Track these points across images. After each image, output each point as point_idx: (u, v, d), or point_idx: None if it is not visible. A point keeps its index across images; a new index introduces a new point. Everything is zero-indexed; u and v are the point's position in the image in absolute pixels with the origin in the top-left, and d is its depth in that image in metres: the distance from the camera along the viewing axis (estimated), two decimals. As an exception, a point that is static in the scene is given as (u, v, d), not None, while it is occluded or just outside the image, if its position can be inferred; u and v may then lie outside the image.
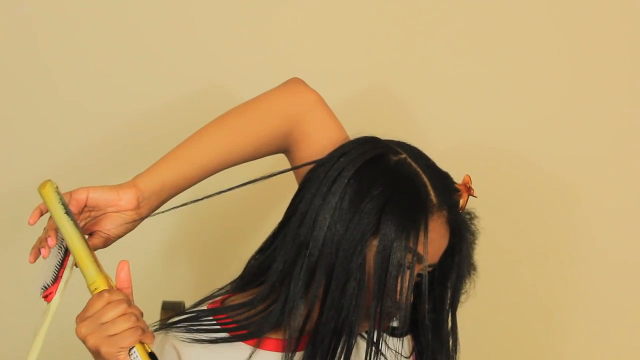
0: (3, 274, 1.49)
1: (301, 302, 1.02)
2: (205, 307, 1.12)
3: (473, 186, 1.07)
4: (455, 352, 1.13)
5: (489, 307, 1.62)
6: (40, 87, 1.46)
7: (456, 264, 1.08)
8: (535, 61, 1.56)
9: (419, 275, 1.05)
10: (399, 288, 1.01)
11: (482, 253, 1.36)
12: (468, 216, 1.09)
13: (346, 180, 1.01)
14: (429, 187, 1.03)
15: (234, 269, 1.48)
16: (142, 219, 1.08)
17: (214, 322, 1.08)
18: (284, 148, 1.17)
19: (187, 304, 1.28)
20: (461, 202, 1.05)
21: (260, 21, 1.51)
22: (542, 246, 1.61)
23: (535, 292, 1.62)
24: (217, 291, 1.13)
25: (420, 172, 1.03)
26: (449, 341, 1.12)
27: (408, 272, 1.01)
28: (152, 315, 1.28)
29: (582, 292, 1.63)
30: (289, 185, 1.44)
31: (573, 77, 1.56)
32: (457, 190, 1.06)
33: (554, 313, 1.64)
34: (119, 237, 1.10)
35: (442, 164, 1.09)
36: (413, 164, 1.04)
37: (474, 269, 1.12)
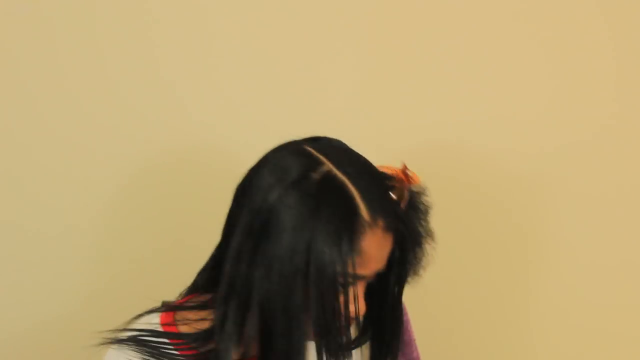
0: (3, 274, 1.48)
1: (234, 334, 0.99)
2: (158, 323, 1.08)
3: (414, 171, 1.03)
4: (398, 338, 1.10)
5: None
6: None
7: (401, 260, 1.04)
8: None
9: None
10: (342, 313, 0.98)
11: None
12: (416, 193, 1.05)
13: (269, 216, 0.96)
14: (358, 201, 0.97)
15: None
16: None
17: (171, 347, 1.04)
18: None
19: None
20: (402, 203, 1.01)
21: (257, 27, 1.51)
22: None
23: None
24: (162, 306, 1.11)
25: (347, 185, 0.97)
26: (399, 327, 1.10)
27: (351, 290, 0.99)
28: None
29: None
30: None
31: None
32: (392, 189, 1.01)
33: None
34: None
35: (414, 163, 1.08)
36: (338, 175, 0.98)
37: (430, 237, 1.07)
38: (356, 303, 0.99)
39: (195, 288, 1.12)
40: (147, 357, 1.02)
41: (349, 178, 0.98)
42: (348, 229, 0.95)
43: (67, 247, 1.48)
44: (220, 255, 1.04)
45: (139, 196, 1.50)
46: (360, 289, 1.01)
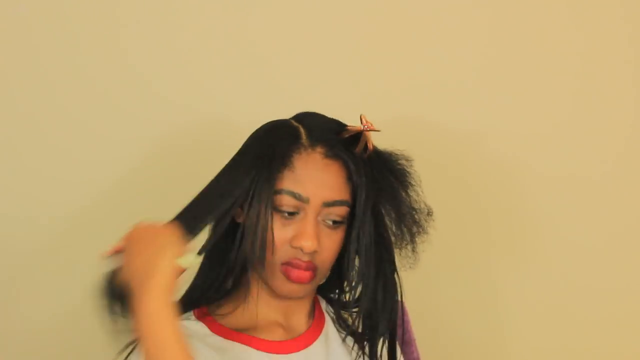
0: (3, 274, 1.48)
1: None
2: (192, 315, 1.13)
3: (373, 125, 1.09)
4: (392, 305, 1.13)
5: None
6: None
7: (363, 203, 1.08)
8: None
9: (335, 222, 1.08)
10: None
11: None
12: (391, 156, 1.12)
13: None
14: (301, 130, 1.10)
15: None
16: None
17: (207, 329, 1.10)
18: None
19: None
20: (357, 146, 1.08)
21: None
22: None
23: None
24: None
25: (293, 121, 1.12)
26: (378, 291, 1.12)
27: (296, 215, 1.07)
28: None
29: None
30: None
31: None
32: (341, 131, 1.10)
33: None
34: None
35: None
36: (290, 119, 1.13)
37: (424, 212, 1.12)
38: (304, 234, 1.06)
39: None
40: None
41: (298, 118, 1.13)
42: (282, 149, 1.07)
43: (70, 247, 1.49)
44: None
45: (136, 196, 1.50)
46: (309, 219, 1.07)
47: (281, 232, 1.07)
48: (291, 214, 1.07)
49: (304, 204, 1.06)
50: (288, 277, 1.07)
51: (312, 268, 1.08)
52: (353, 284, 1.12)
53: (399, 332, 1.18)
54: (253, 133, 1.12)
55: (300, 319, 1.14)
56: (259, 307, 1.12)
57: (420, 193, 1.11)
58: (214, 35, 1.50)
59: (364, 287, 1.11)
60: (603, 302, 1.66)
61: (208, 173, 1.43)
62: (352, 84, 1.55)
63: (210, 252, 1.10)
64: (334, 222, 1.08)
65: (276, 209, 1.06)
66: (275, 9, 1.52)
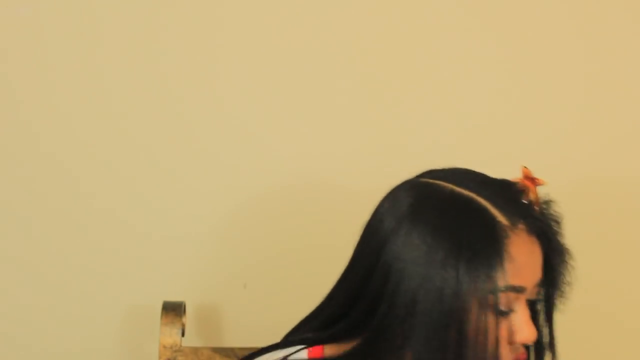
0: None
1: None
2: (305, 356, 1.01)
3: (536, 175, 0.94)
4: None
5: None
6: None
7: (550, 270, 0.96)
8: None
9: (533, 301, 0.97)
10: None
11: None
12: (544, 206, 0.96)
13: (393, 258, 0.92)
14: (493, 210, 0.91)
15: (236, 268, 1.48)
16: None
17: None
18: None
19: (188, 304, 1.27)
20: (532, 200, 0.93)
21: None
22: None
23: None
24: (293, 336, 1.03)
25: (475, 199, 0.91)
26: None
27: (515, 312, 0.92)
28: (153, 315, 1.28)
29: None
30: (293, 190, 1.44)
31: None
32: (521, 193, 0.94)
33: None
34: None
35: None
36: (464, 192, 0.92)
37: (569, 258, 0.97)
38: (525, 327, 0.92)
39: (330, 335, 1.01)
40: None
41: (474, 192, 0.92)
42: (492, 239, 0.88)
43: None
44: (343, 298, 0.98)
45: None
46: (523, 309, 0.92)
47: (501, 333, 0.92)
48: (505, 312, 0.92)
49: (522, 295, 0.92)
50: None
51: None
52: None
53: None
54: (428, 224, 0.90)
55: None
56: None
57: None
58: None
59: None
60: (604, 303, 1.66)
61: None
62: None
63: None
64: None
65: (495, 309, 0.91)
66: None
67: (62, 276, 1.46)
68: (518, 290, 0.89)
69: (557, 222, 0.95)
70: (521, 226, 0.90)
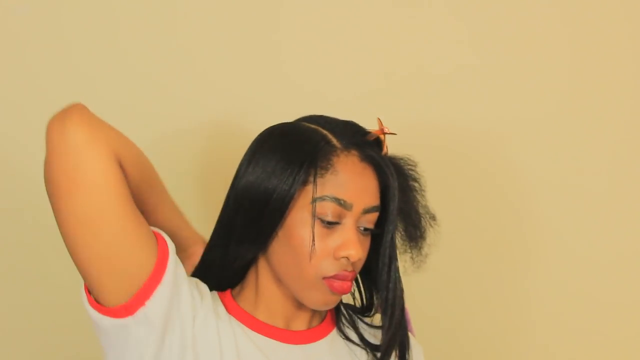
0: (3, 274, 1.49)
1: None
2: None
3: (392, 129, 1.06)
4: (395, 307, 1.09)
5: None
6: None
7: (397, 207, 1.05)
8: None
9: (367, 229, 1.05)
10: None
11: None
12: (402, 161, 1.09)
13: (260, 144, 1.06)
14: (330, 135, 1.03)
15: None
16: None
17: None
18: None
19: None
20: (382, 147, 1.05)
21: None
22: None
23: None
24: None
25: (318, 127, 1.05)
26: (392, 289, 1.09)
27: (336, 225, 1.02)
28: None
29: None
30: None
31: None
32: (366, 133, 1.06)
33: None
34: None
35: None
36: (310, 123, 1.06)
37: (430, 216, 1.10)
38: (348, 243, 1.02)
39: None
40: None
41: (319, 125, 1.06)
42: (319, 152, 1.01)
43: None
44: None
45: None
46: (350, 226, 1.03)
47: (324, 243, 1.02)
48: (332, 223, 1.02)
49: (347, 211, 1.02)
50: (332, 290, 1.03)
51: (354, 277, 1.06)
52: (385, 289, 1.08)
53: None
54: (271, 137, 1.06)
55: (305, 317, 1.12)
56: (270, 302, 1.09)
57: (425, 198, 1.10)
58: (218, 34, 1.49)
59: (392, 291, 1.08)
60: (605, 303, 1.66)
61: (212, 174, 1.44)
62: (352, 84, 1.55)
63: (228, 240, 1.07)
64: (365, 229, 1.05)
65: (318, 218, 1.01)
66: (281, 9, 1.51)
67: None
68: (341, 204, 1.01)
69: (409, 178, 1.08)
70: (354, 152, 1.03)
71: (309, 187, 1.01)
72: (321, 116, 1.09)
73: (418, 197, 1.09)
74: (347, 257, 1.02)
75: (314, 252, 1.01)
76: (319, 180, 1.00)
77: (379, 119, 1.06)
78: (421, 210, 1.09)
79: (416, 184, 1.09)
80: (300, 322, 1.11)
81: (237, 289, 1.12)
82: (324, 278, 1.03)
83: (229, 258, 1.07)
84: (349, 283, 1.04)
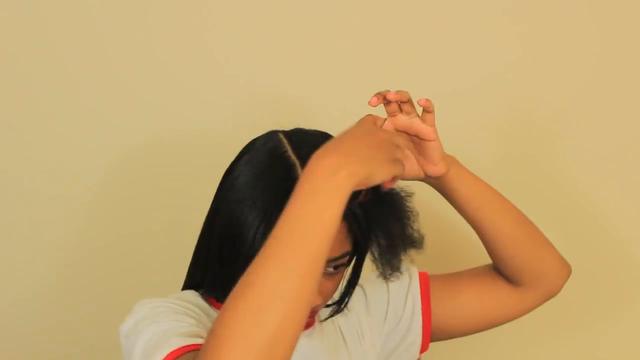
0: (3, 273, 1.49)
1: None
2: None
3: None
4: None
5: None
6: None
7: (366, 247, 1.01)
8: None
9: (337, 267, 1.02)
10: None
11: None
12: (391, 192, 1.02)
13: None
14: (297, 169, 0.98)
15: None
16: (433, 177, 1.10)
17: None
18: None
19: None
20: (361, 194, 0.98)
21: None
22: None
23: None
24: None
25: (289, 153, 1.00)
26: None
27: None
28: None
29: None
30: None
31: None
32: None
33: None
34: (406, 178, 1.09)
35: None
36: (284, 143, 1.01)
37: (408, 241, 1.03)
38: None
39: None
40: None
41: (294, 144, 1.01)
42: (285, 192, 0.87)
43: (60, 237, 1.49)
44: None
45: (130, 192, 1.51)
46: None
47: None
48: None
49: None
50: None
51: (315, 314, 1.08)
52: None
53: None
54: (245, 163, 1.02)
55: None
56: None
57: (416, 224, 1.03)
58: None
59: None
60: (607, 303, 1.65)
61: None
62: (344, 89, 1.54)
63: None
64: (335, 267, 1.02)
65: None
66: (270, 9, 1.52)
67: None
68: None
69: (397, 211, 1.01)
70: None
71: None
72: (306, 134, 1.04)
73: (401, 225, 1.02)
74: None
75: None
76: None
77: None
78: (401, 238, 1.02)
79: (404, 215, 1.02)
80: None
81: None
82: None
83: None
84: (311, 319, 1.08)
